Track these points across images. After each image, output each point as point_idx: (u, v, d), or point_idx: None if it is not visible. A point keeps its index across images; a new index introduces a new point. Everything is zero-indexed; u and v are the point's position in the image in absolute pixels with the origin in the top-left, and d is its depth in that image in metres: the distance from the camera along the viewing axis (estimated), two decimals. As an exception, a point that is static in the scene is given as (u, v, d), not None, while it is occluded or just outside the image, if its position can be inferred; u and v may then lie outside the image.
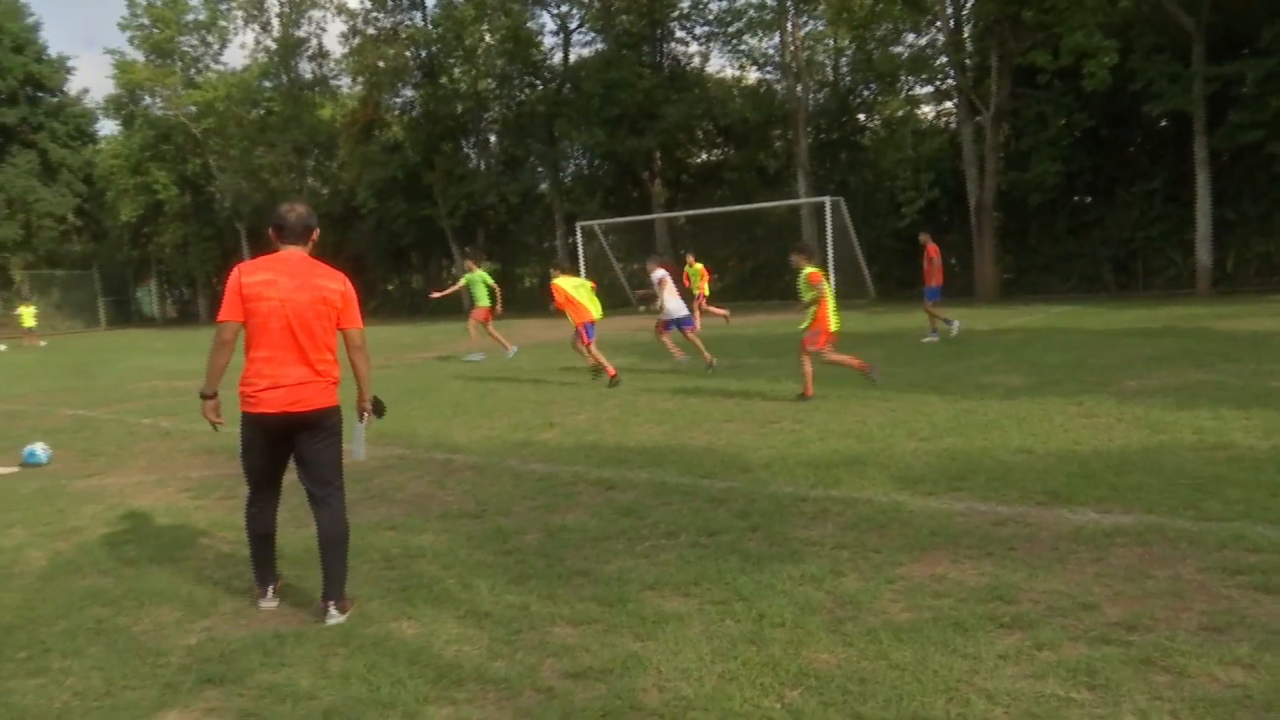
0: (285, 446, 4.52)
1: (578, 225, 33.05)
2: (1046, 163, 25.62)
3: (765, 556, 4.88)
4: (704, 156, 38.55)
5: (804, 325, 10.00)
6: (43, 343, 36.15)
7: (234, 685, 3.77)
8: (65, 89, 51.42)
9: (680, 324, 13.58)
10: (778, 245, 25.26)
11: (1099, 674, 3.42)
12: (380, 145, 40.29)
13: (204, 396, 4.55)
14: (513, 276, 41.78)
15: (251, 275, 4.42)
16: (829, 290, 9.94)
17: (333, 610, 4.42)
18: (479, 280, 17.47)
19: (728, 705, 3.34)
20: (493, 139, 40.88)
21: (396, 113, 41.29)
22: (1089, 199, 27.35)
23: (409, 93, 40.09)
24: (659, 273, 13.50)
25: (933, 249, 15.36)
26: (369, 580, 4.90)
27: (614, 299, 34.31)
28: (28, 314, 36.91)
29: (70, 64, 51.65)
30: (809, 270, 9.90)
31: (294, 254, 4.52)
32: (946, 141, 29.38)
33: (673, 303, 13.49)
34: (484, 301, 17.41)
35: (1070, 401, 8.72)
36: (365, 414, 4.75)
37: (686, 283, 20.17)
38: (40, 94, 49.77)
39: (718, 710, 3.32)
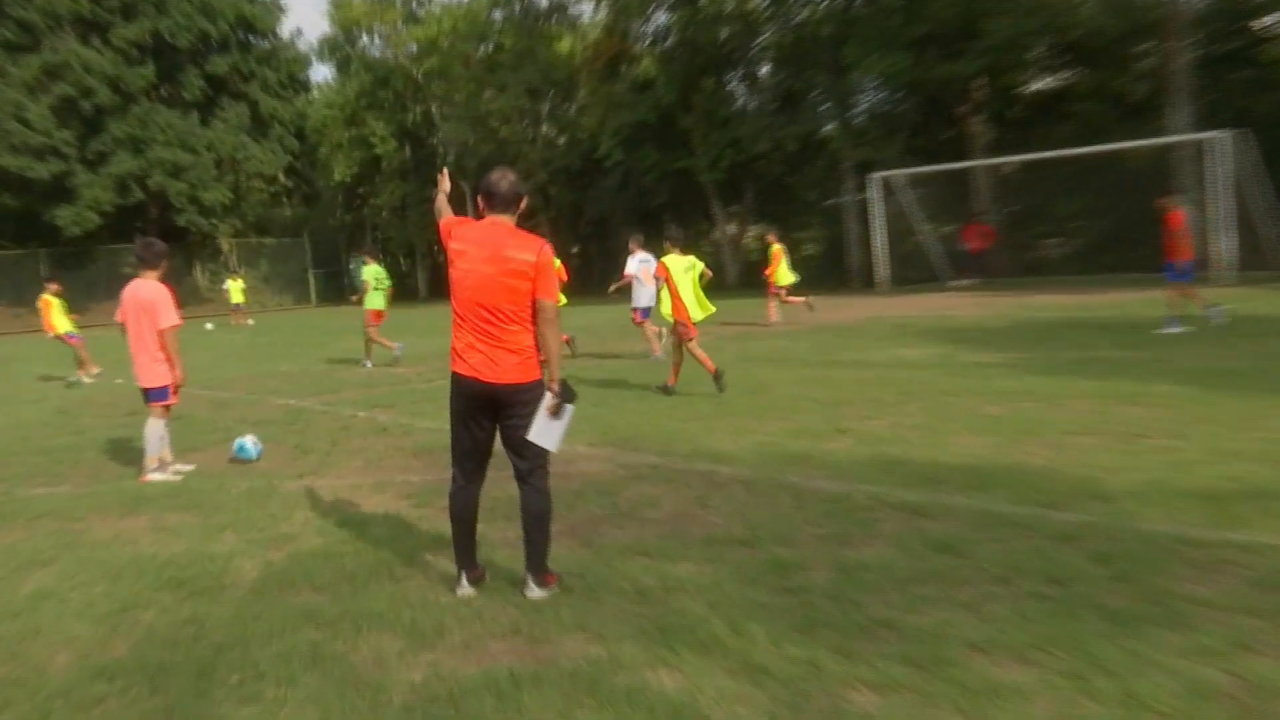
0: (485, 418, 5.34)
1: (872, 177, 32.55)
2: None
3: (1136, 617, 4.60)
4: (1041, 84, 36.82)
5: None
6: (250, 321, 39.95)
7: (464, 733, 3.96)
8: (278, 32, 56.44)
9: (644, 312, 16.45)
10: (1141, 199, 23.68)
11: None
12: (628, 84, 41.45)
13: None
14: (787, 242, 41.78)
15: (457, 240, 5.38)
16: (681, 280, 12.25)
17: (531, 584, 5.37)
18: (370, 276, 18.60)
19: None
20: (764, 71, 41.04)
21: (647, 44, 42.35)
22: None
23: (662, 18, 41.02)
24: (640, 256, 16.17)
25: (1176, 216, 15.39)
26: (618, 617, 5.02)
27: (916, 270, 33.61)
28: (236, 288, 40.78)
29: (283, 1, 56.38)
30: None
31: (498, 223, 5.35)
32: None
33: (641, 291, 16.32)
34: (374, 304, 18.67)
35: None
36: (551, 396, 5.22)
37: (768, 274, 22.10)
38: (252, 38, 54.87)
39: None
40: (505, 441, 5.36)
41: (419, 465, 9.18)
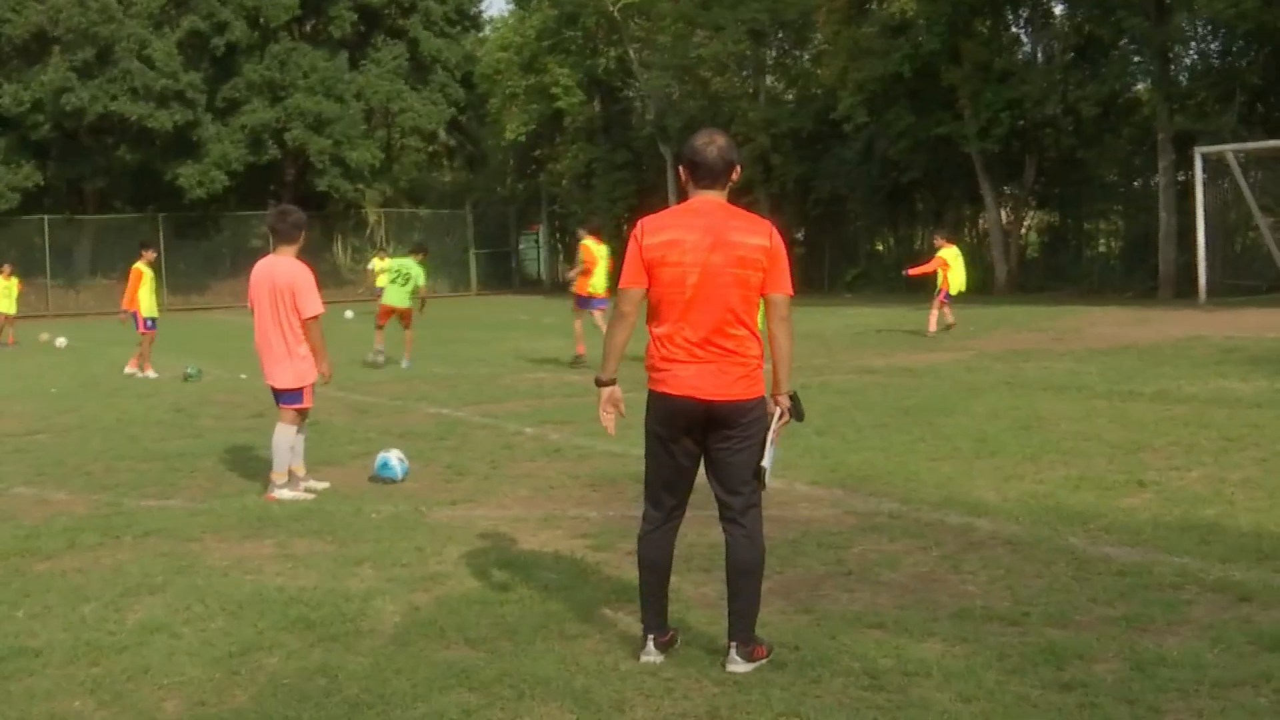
0: (692, 444, 5.41)
1: (1197, 152, 31.43)
2: None
3: None
4: None
5: None
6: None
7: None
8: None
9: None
10: None
11: None
12: (878, 26, 41.04)
13: (599, 384, 5.62)
14: (1078, 234, 40.76)
15: (654, 235, 5.33)
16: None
17: (735, 655, 5.35)
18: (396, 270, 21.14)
19: None
20: (1059, 10, 40.13)
21: (906, -27, 41.99)
22: None
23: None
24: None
25: None
26: (843, 705, 5.02)
27: (1252, 276, 32.30)
28: (382, 269, 41.95)
29: (455, -84, 58.01)
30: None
31: (708, 202, 5.37)
32: None
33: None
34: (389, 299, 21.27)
35: None
36: (779, 412, 5.39)
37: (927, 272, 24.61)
38: (415, -38, 56.56)
39: None
40: (714, 473, 5.43)
41: (598, 498, 9.35)
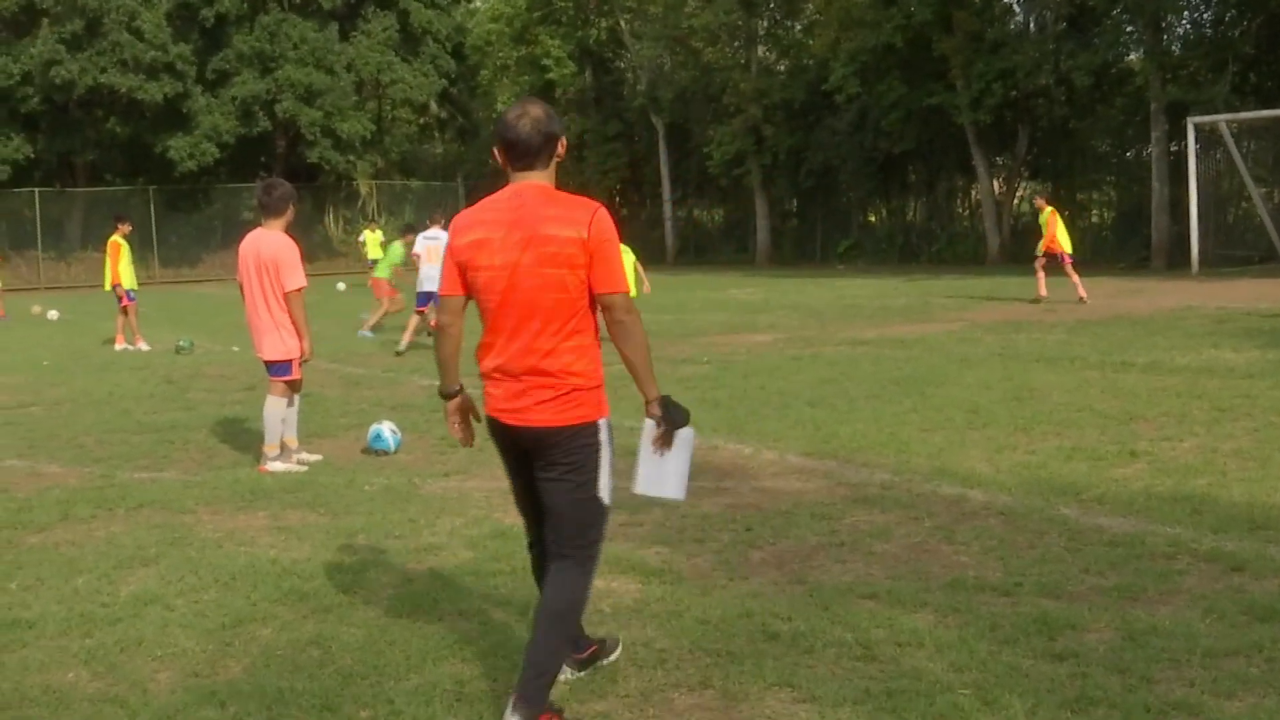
0: (525, 470, 4.79)
1: (1190, 122, 31.40)
2: None
3: None
4: None
5: None
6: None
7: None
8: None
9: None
10: None
11: None
12: (871, -5, 41.04)
13: (442, 396, 5.03)
14: (1070, 205, 40.71)
15: (464, 235, 4.64)
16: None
17: (510, 712, 4.40)
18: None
19: None
20: (1051, -20, 40.07)
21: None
22: None
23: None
24: (432, 233, 18.28)
25: None
26: (835, 675, 5.04)
27: (1245, 247, 32.32)
28: (374, 241, 41.86)
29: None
30: None
31: (524, 189, 4.58)
32: None
33: (427, 269, 17.89)
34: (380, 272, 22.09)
35: None
36: (653, 425, 4.67)
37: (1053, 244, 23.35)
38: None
39: None
40: (541, 505, 4.75)
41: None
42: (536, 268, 4.44)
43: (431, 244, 17.94)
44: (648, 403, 4.60)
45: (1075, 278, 22.84)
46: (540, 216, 4.47)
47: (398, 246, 21.55)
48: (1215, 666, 4.98)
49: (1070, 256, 22.96)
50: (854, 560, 6.69)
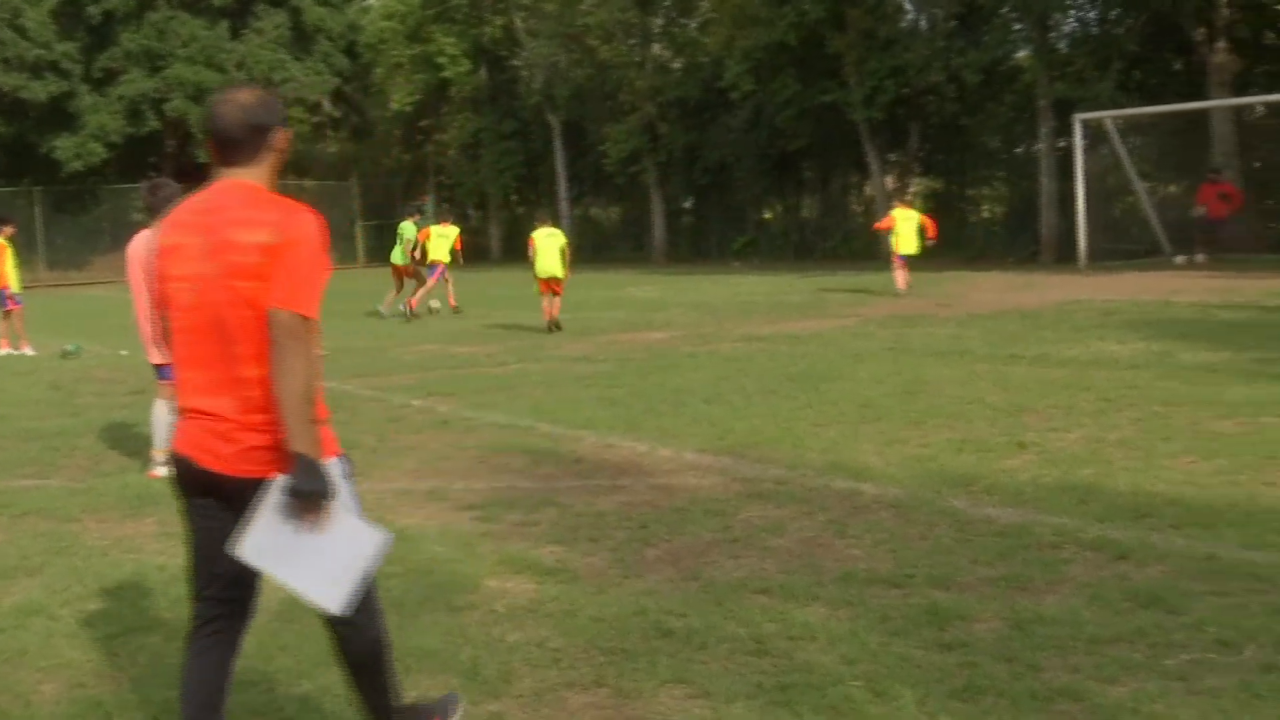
0: (229, 520, 3.96)
1: (1076, 119, 31.95)
2: None
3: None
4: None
5: None
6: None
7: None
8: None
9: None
10: None
11: None
12: (764, -7, 41.28)
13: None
14: (961, 200, 41.29)
15: (164, 238, 4.00)
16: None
17: None
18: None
19: None
20: (941, -20, 40.57)
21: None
22: None
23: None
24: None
25: None
26: (728, 670, 5.06)
27: (1130, 242, 32.94)
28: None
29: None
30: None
31: (224, 189, 3.94)
32: None
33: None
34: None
35: None
36: (279, 486, 3.79)
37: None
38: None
39: None
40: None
41: (485, 469, 9.31)
42: (223, 279, 3.76)
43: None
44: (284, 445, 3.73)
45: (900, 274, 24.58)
46: (231, 220, 3.80)
47: (409, 225, 25.38)
48: (1099, 653, 5.06)
49: (903, 257, 24.64)
50: (748, 555, 6.70)
